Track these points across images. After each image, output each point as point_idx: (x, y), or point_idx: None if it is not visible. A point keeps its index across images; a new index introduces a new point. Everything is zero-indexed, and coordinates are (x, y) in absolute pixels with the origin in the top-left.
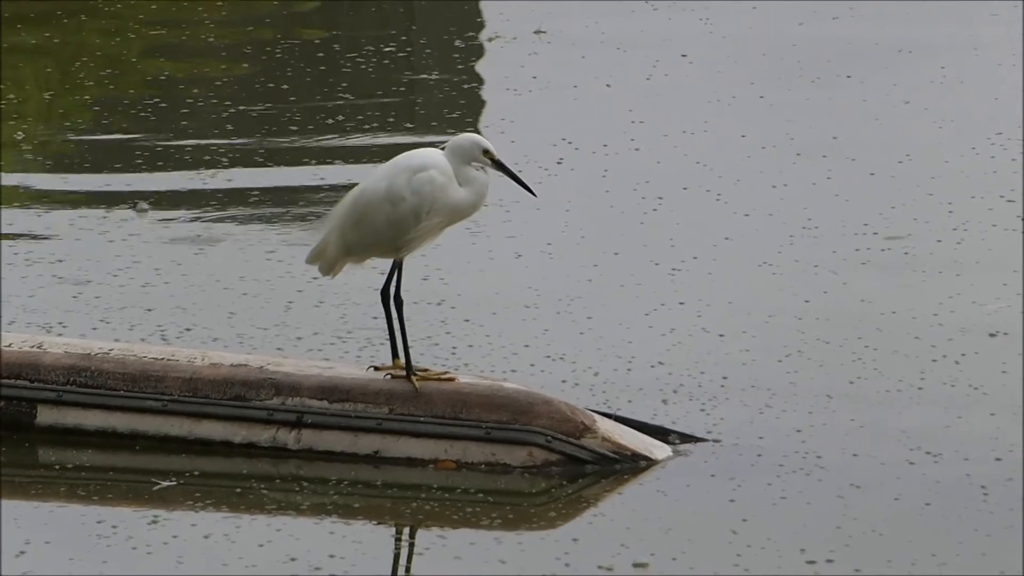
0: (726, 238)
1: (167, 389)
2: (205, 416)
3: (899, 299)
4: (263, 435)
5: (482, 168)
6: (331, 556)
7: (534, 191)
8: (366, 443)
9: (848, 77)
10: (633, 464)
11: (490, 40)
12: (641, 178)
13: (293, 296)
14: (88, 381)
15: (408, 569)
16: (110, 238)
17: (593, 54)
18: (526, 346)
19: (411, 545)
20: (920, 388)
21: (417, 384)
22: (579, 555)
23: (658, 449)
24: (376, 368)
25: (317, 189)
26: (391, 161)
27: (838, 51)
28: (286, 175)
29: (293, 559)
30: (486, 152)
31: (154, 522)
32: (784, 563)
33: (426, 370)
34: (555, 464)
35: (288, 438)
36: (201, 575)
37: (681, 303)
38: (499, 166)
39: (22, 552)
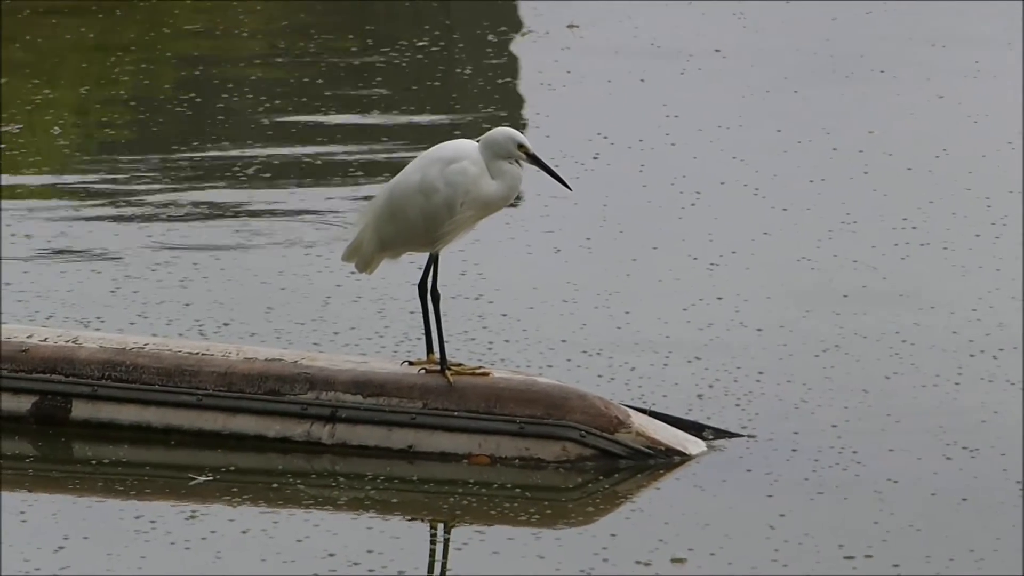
0: (764, 233)
1: (202, 384)
2: (239, 411)
3: (937, 294)
4: (297, 429)
5: (515, 162)
6: (369, 551)
7: (569, 185)
8: (400, 438)
9: (882, 72)
10: (667, 459)
11: (523, 35)
12: (678, 173)
13: (331, 291)
14: (123, 376)
15: (445, 565)
16: (148, 232)
17: (627, 49)
18: (563, 341)
19: (447, 540)
20: (957, 383)
21: (451, 379)
22: (617, 550)
23: (692, 444)
24: (410, 363)
25: (354, 181)
26: (424, 153)
27: (871, 45)
28: (322, 169)
29: (331, 554)
30: (521, 146)
31: (192, 517)
32: (822, 558)
33: (460, 365)
34: (589, 459)
35: (322, 432)
36: (239, 573)
37: (719, 298)
38: (534, 160)
39: (60, 548)
